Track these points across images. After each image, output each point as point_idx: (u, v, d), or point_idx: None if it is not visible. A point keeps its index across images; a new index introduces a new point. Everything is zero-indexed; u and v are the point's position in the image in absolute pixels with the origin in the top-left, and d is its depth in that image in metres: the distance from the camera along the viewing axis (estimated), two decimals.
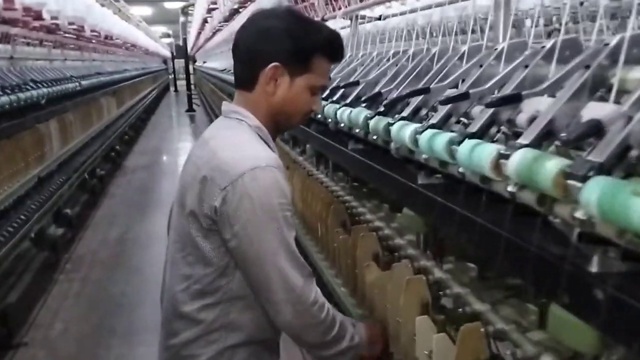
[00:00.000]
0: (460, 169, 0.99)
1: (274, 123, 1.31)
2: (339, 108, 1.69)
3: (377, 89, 1.54)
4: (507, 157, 0.81)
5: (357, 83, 1.67)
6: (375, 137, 1.42)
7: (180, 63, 21.82)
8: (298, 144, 2.94)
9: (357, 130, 1.56)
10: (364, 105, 1.54)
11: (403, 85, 1.43)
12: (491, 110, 0.97)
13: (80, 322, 3.53)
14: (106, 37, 7.88)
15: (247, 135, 1.27)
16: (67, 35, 5.46)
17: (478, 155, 0.88)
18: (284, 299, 1.17)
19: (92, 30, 6.58)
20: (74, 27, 5.49)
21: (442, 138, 1.00)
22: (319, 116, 2.01)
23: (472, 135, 0.96)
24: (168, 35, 29.63)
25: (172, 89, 24.84)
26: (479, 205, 0.99)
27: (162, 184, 7.15)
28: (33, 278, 4.02)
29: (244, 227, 1.16)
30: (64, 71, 5.20)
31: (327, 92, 1.95)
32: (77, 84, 5.15)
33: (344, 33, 2.42)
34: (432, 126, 1.10)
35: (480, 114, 1.00)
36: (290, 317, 1.18)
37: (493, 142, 0.97)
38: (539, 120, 0.85)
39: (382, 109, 1.38)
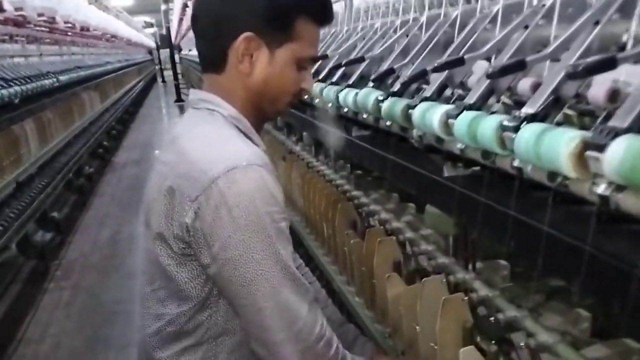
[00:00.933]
0: (516, 163, 0.76)
1: (256, 110, 1.04)
2: (341, 90, 1.44)
3: (386, 66, 1.30)
4: (600, 148, 0.58)
5: (362, 59, 1.42)
6: (389, 123, 1.18)
7: (165, 53, 21.35)
8: (293, 131, 2.69)
9: (365, 116, 1.33)
10: (372, 85, 1.30)
11: (419, 60, 1.19)
12: (554, 84, 0.74)
13: (73, 335, 3.31)
14: (82, 29, 7.49)
15: (222, 129, 1.00)
16: (38, 28, 5.11)
17: (550, 145, 0.64)
18: (284, 338, 0.92)
19: (65, 22, 6.22)
20: (44, 18, 5.14)
21: (490, 123, 0.77)
22: (317, 100, 1.77)
23: (531, 118, 0.73)
24: (151, 25, 28.96)
25: (159, 79, 24.33)
26: (543, 208, 0.76)
27: None
28: (21, 289, 3.82)
29: (225, 247, 0.90)
30: (40, 67, 4.91)
31: (325, 72, 1.71)
32: (54, 79, 4.86)
33: (337, 7, 2.16)
34: (470, 107, 0.87)
35: (539, 90, 0.76)
36: None
37: (558, 125, 0.74)
38: (637, 95, 0.61)
39: (397, 88, 1.13)
